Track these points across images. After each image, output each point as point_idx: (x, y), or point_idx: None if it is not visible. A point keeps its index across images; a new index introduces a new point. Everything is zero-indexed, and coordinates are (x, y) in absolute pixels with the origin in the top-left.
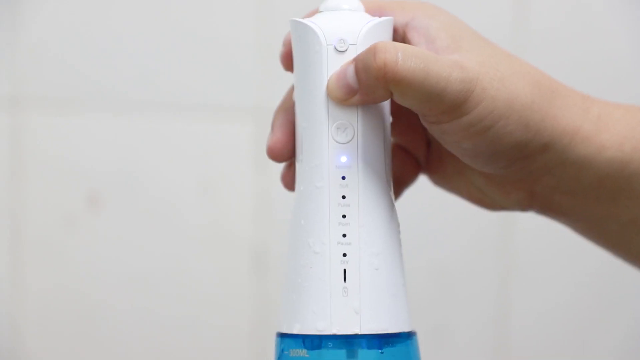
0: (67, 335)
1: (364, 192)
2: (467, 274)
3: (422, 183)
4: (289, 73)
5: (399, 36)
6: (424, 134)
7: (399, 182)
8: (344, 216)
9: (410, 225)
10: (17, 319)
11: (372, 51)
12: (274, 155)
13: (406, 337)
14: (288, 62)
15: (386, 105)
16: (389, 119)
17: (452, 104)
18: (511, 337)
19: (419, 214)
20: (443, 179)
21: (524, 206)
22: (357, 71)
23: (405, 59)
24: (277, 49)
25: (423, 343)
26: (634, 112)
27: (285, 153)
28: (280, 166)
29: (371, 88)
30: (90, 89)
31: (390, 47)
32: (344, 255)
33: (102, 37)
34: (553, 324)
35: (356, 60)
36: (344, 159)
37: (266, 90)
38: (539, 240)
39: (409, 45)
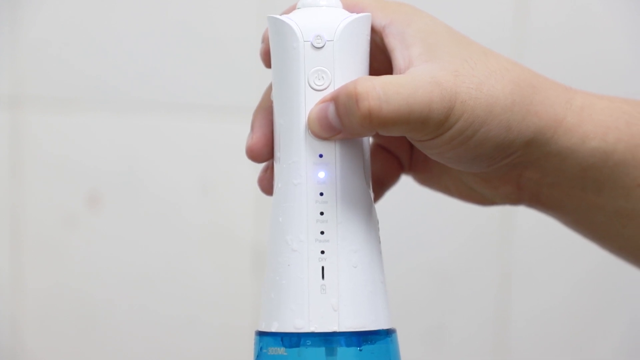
0: (67, 334)
1: (341, 189)
2: (466, 273)
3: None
4: None
5: (378, 38)
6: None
7: (382, 183)
8: (321, 213)
9: (409, 224)
10: (17, 319)
11: (353, 97)
12: (253, 155)
13: (385, 335)
14: (268, 59)
15: None
16: None
17: (435, 125)
18: (510, 337)
19: (418, 213)
20: (430, 179)
21: (513, 200)
22: (340, 115)
23: (389, 100)
24: None
25: (422, 342)
26: (617, 103)
27: (265, 153)
28: None
29: (355, 130)
30: (91, 88)
31: (371, 91)
32: (322, 252)
33: (102, 37)
34: (552, 323)
35: (337, 104)
36: (321, 156)
37: None
38: (538, 239)
39: (387, 79)
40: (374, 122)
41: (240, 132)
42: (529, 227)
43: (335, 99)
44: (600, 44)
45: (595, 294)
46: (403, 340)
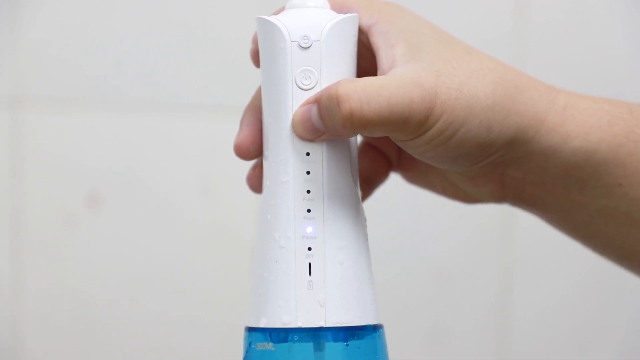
0: (68, 334)
1: (328, 187)
2: (467, 270)
3: None
4: None
5: (364, 38)
6: None
7: (370, 181)
8: (308, 210)
9: (410, 222)
10: (17, 319)
11: (334, 99)
12: (241, 152)
13: (372, 330)
14: (257, 59)
15: None
16: None
17: (416, 126)
18: (511, 333)
19: (417, 209)
20: (416, 177)
21: (497, 198)
22: (322, 117)
23: (370, 101)
24: None
25: (422, 339)
26: (600, 103)
27: (252, 151)
28: None
29: (338, 131)
30: (91, 88)
31: (352, 93)
32: (309, 249)
33: (102, 36)
34: (554, 320)
35: (319, 106)
36: (308, 154)
37: None
38: (539, 235)
39: (369, 81)
40: (356, 123)
41: None
42: (530, 222)
43: (317, 101)
44: (600, 38)
45: (597, 290)
46: (403, 338)
